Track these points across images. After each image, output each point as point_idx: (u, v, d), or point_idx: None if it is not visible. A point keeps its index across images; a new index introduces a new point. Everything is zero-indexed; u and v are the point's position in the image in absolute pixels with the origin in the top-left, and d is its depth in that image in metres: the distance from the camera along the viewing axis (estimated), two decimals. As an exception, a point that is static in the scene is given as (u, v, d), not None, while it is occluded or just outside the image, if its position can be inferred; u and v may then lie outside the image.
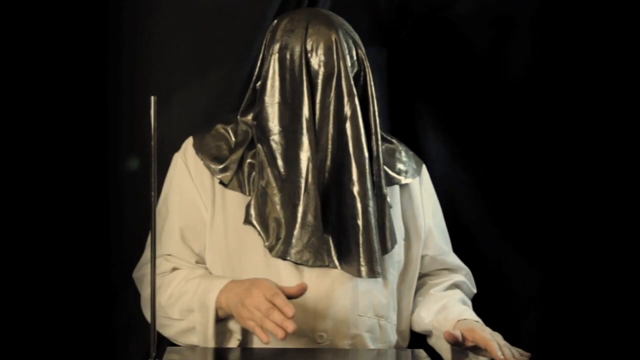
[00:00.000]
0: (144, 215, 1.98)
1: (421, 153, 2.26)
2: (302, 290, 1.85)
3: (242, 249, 1.98)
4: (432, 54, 2.46)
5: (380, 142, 2.01)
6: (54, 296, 2.26)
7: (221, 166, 2.02)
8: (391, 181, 2.08)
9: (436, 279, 2.14)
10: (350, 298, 1.98)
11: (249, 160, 2.02)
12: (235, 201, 2.01)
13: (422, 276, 2.14)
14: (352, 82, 1.96)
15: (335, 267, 1.95)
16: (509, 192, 2.46)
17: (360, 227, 1.92)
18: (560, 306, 2.46)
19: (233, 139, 2.06)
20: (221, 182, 2.02)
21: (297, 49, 1.98)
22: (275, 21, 2.06)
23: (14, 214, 2.22)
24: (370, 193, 1.93)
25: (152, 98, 1.62)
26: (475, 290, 2.17)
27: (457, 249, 2.19)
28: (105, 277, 2.33)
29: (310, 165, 1.94)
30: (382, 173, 2.00)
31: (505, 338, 1.92)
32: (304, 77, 1.97)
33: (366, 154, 1.94)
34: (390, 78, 2.45)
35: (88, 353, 2.30)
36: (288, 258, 1.94)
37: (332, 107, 1.96)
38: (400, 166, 2.11)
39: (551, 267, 2.45)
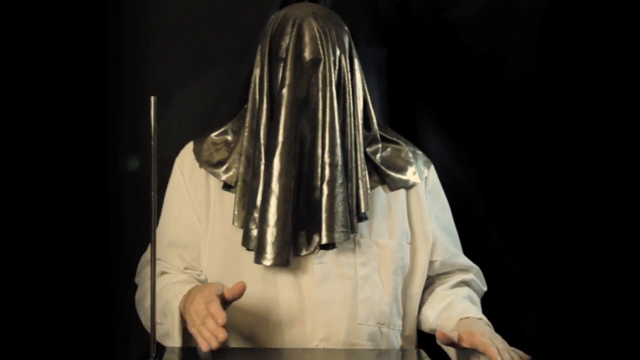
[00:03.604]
0: (144, 215, 1.98)
1: (421, 153, 2.26)
2: (241, 290, 1.83)
3: (240, 257, 1.98)
4: (432, 54, 2.46)
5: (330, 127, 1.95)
6: (54, 296, 2.26)
7: (224, 168, 2.02)
8: (396, 184, 2.06)
9: (444, 278, 2.12)
10: (350, 306, 1.97)
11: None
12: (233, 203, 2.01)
13: (431, 276, 2.12)
14: (297, 62, 1.93)
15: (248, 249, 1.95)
16: (510, 192, 2.46)
17: (269, 225, 1.91)
18: (561, 306, 2.46)
19: (230, 138, 2.06)
20: (226, 185, 2.01)
21: (268, 36, 1.98)
22: None
23: (14, 214, 2.22)
24: (287, 201, 1.90)
25: (152, 98, 1.63)
26: (485, 289, 2.15)
27: (457, 249, 2.18)
28: (105, 277, 2.34)
29: (257, 161, 1.95)
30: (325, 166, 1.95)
31: (507, 337, 1.92)
32: (266, 64, 1.96)
33: (292, 148, 1.92)
34: (390, 78, 2.45)
35: (88, 353, 2.30)
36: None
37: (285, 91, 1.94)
38: (406, 168, 2.09)
39: (553, 267, 2.45)
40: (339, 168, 1.94)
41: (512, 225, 2.46)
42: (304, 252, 1.94)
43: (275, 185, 1.91)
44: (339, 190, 1.93)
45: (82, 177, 2.29)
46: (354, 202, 1.96)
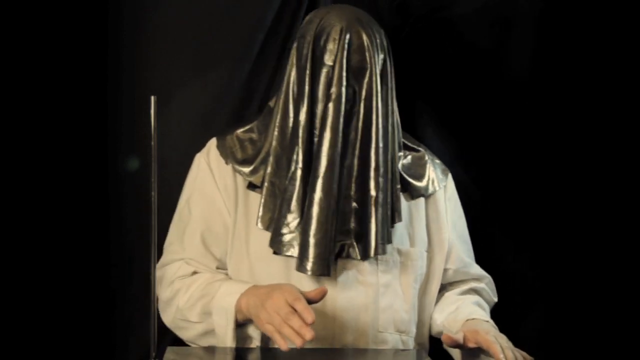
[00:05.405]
0: (144, 215, 1.98)
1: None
2: (322, 294, 1.81)
3: (264, 255, 1.95)
4: (432, 54, 2.46)
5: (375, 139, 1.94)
6: (54, 296, 2.26)
7: (251, 168, 2.00)
8: (418, 192, 2.05)
9: (455, 285, 2.12)
10: (371, 314, 1.95)
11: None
12: (258, 203, 1.98)
13: (443, 284, 2.11)
14: (344, 73, 1.91)
15: (287, 255, 1.92)
16: (510, 192, 2.46)
17: (311, 234, 1.89)
18: (561, 306, 2.46)
19: (255, 136, 2.03)
20: (251, 185, 1.98)
21: (308, 38, 1.96)
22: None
23: (14, 214, 2.22)
24: (330, 210, 1.88)
25: (152, 98, 1.63)
26: (495, 299, 2.16)
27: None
28: (105, 277, 2.33)
29: (294, 165, 1.93)
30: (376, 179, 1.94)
31: (507, 337, 1.92)
32: (308, 67, 1.94)
33: (338, 157, 1.90)
34: (390, 78, 2.45)
35: (88, 352, 2.30)
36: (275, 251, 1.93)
37: (331, 99, 1.92)
38: (426, 176, 2.08)
39: (552, 268, 2.45)
40: (381, 182, 1.93)
41: (512, 225, 2.46)
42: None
43: (320, 200, 1.88)
44: (382, 205, 1.92)
45: (82, 177, 2.29)
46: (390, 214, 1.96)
